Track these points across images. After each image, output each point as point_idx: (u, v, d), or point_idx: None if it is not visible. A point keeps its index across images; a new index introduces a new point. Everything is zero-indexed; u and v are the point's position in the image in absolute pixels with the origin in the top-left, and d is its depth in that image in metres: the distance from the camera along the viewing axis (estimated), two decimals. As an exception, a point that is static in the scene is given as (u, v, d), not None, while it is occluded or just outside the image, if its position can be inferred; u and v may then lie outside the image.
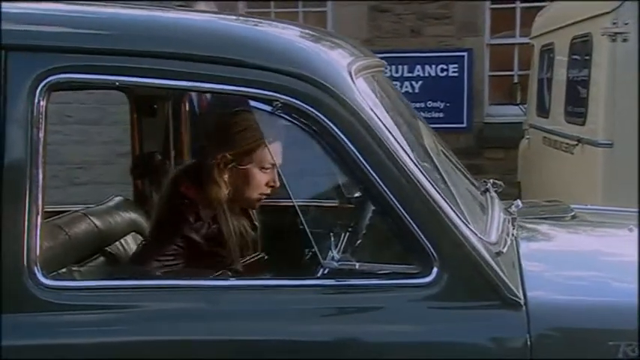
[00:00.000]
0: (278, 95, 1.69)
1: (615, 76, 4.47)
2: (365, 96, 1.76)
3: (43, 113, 1.69)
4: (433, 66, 8.23)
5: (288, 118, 1.71)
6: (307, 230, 1.71)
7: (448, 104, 8.25)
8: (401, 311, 1.70)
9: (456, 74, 8.22)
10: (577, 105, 5.10)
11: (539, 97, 6.33)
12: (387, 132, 1.73)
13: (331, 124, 1.68)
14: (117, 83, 1.79)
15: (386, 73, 2.29)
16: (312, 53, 1.79)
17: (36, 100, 1.67)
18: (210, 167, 2.15)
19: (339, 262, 1.69)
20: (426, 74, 8.25)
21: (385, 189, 1.69)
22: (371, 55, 2.14)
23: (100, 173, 6.60)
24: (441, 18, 8.21)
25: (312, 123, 1.69)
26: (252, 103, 1.72)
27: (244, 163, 2.15)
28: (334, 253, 1.70)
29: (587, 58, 4.89)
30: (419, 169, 1.73)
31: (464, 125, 8.24)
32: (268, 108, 1.71)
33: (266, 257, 2.26)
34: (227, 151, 2.14)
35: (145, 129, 2.70)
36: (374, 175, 1.69)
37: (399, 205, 1.68)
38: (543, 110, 6.12)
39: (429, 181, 1.73)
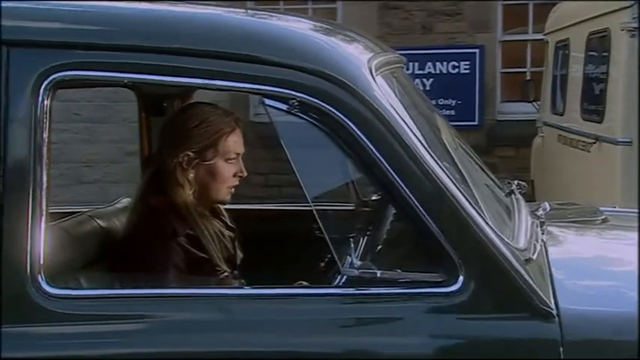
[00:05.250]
0: (294, 93, 1.60)
1: (635, 72, 4.36)
2: (386, 94, 1.67)
3: (47, 112, 1.60)
4: (444, 63, 8.13)
5: (304, 117, 1.62)
6: (325, 236, 1.62)
7: (459, 102, 8.14)
8: (424, 322, 1.60)
9: (467, 71, 8.12)
10: (594, 102, 4.99)
11: (554, 94, 6.22)
12: (409, 132, 1.64)
13: (351, 124, 1.59)
14: (125, 81, 1.71)
15: (406, 69, 2.19)
16: (330, 49, 1.70)
17: (40, 99, 1.59)
18: (173, 170, 2.05)
19: (360, 270, 1.60)
20: (437, 71, 8.15)
21: (408, 192, 1.59)
22: (390, 51, 2.04)
23: (107, 172, 6.53)
24: (452, 14, 8.11)
25: (331, 122, 1.60)
26: (267, 101, 1.63)
27: (208, 157, 2.06)
28: (354, 260, 1.61)
29: (604, 54, 4.78)
30: (443, 170, 1.64)
31: (475, 123, 8.13)
32: (284, 106, 1.62)
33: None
34: (187, 149, 2.05)
35: (154, 128, 2.61)
36: (396, 177, 1.59)
37: (421, 209, 1.59)
38: (558, 108, 6.02)
39: (454, 184, 1.64)
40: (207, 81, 1.64)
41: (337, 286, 1.62)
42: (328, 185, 1.83)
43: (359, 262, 1.61)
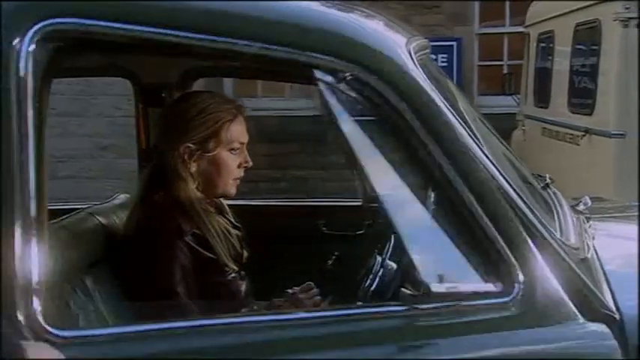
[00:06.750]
0: (347, 64, 1.44)
1: (627, 64, 4.30)
2: (428, 80, 1.54)
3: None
4: (422, 55, 8.04)
5: (353, 94, 1.46)
6: (406, 248, 1.45)
7: (437, 95, 8.07)
8: (482, 336, 1.45)
9: (445, 64, 8.04)
10: (583, 95, 4.93)
11: (537, 87, 6.16)
12: (457, 125, 1.50)
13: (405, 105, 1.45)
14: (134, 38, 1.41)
15: (431, 55, 2.06)
16: (369, 32, 1.57)
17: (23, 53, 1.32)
18: (174, 164, 1.92)
19: (414, 285, 1.42)
20: (415, 64, 8.07)
21: (462, 189, 1.45)
22: (419, 35, 1.90)
23: (82, 167, 6.26)
24: (430, 7, 8.03)
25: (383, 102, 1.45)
26: (315, 72, 1.45)
27: (210, 148, 1.93)
28: (413, 275, 1.44)
29: (594, 45, 4.72)
30: (492, 164, 1.50)
31: (453, 116, 8.08)
32: (331, 79, 1.45)
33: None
34: (188, 141, 1.91)
35: (152, 120, 2.44)
36: (448, 166, 1.45)
37: (479, 209, 1.43)
38: (542, 101, 5.95)
39: (505, 179, 1.50)
40: (247, 42, 1.42)
41: (389, 305, 1.48)
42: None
43: (416, 277, 1.44)
